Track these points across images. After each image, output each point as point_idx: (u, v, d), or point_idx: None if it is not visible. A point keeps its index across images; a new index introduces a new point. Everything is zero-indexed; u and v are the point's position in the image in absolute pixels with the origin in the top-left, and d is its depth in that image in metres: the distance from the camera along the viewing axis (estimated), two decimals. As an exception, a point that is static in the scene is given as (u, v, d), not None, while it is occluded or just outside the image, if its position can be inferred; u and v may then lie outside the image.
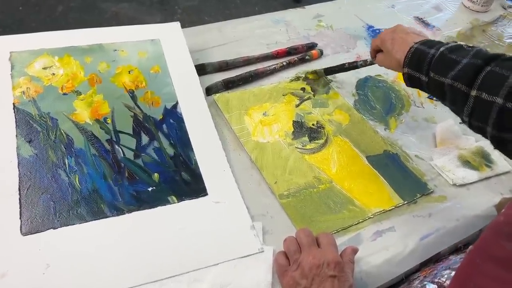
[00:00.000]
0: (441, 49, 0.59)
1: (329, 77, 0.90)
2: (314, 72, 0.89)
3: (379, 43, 0.71)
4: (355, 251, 0.58)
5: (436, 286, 0.54)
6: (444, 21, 1.14)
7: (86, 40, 0.79)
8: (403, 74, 0.64)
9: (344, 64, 0.87)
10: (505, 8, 1.21)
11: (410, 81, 0.64)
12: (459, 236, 0.66)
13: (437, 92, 0.60)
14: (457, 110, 0.59)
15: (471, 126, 0.58)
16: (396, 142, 0.79)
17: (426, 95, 0.90)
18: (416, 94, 0.89)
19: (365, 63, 0.84)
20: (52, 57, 0.76)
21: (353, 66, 0.86)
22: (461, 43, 0.60)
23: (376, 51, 0.75)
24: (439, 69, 0.58)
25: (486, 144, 0.79)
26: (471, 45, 0.59)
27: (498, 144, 0.54)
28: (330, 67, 0.89)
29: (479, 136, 0.80)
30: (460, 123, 0.82)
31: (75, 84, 0.74)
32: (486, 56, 0.55)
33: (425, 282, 0.56)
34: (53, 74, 0.74)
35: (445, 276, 0.53)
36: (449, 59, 0.57)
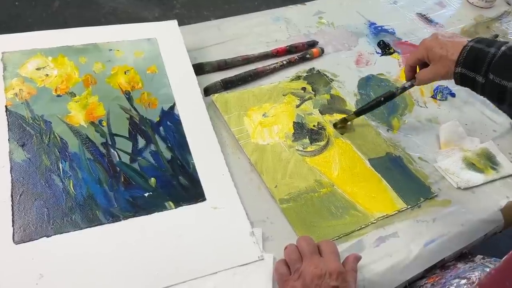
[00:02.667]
0: (503, 48, 0.55)
1: (330, 76, 0.88)
2: (344, 120, 0.77)
3: (424, 53, 0.65)
4: (357, 258, 0.57)
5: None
6: (447, 17, 1.12)
7: (81, 40, 0.77)
8: (454, 74, 0.61)
9: (379, 97, 0.74)
10: (509, 4, 1.19)
11: (462, 82, 0.60)
12: (464, 241, 0.65)
13: (494, 95, 0.57)
14: None
15: None
16: (399, 143, 0.77)
17: (430, 94, 0.88)
18: (419, 94, 0.87)
19: (404, 89, 0.73)
20: (46, 57, 0.74)
21: (390, 96, 0.74)
22: None
23: (413, 69, 0.70)
24: (501, 71, 0.54)
25: (491, 146, 0.77)
26: None
27: None
28: (363, 107, 0.76)
29: (483, 137, 0.79)
30: None
31: (70, 85, 0.72)
32: None
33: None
34: (47, 75, 0.72)
35: (454, 285, 0.52)
36: None
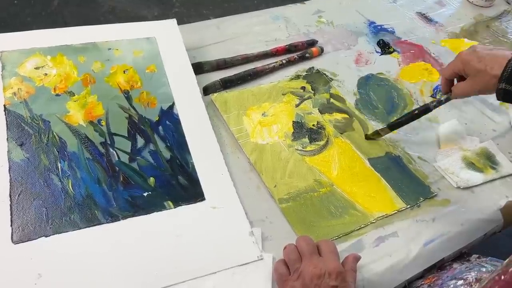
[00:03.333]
0: None
1: (329, 75, 0.88)
2: (376, 133, 0.75)
3: (461, 66, 0.62)
4: (357, 258, 0.57)
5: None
6: (447, 16, 1.12)
7: (80, 39, 0.77)
8: (497, 90, 0.58)
9: (413, 111, 0.72)
10: (509, 3, 1.19)
11: (505, 98, 0.58)
12: (463, 241, 0.65)
13: None
14: None
15: None
16: (398, 143, 0.77)
17: (429, 93, 0.88)
18: (418, 93, 0.87)
19: (439, 103, 0.70)
20: (45, 56, 0.74)
21: (424, 110, 0.71)
22: None
23: (450, 82, 0.67)
24: None
25: (490, 145, 0.77)
26: None
27: None
28: (397, 121, 0.74)
29: (483, 136, 0.79)
30: None
31: (68, 85, 0.72)
32: None
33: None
34: (46, 74, 0.72)
35: (451, 286, 0.52)
36: None
